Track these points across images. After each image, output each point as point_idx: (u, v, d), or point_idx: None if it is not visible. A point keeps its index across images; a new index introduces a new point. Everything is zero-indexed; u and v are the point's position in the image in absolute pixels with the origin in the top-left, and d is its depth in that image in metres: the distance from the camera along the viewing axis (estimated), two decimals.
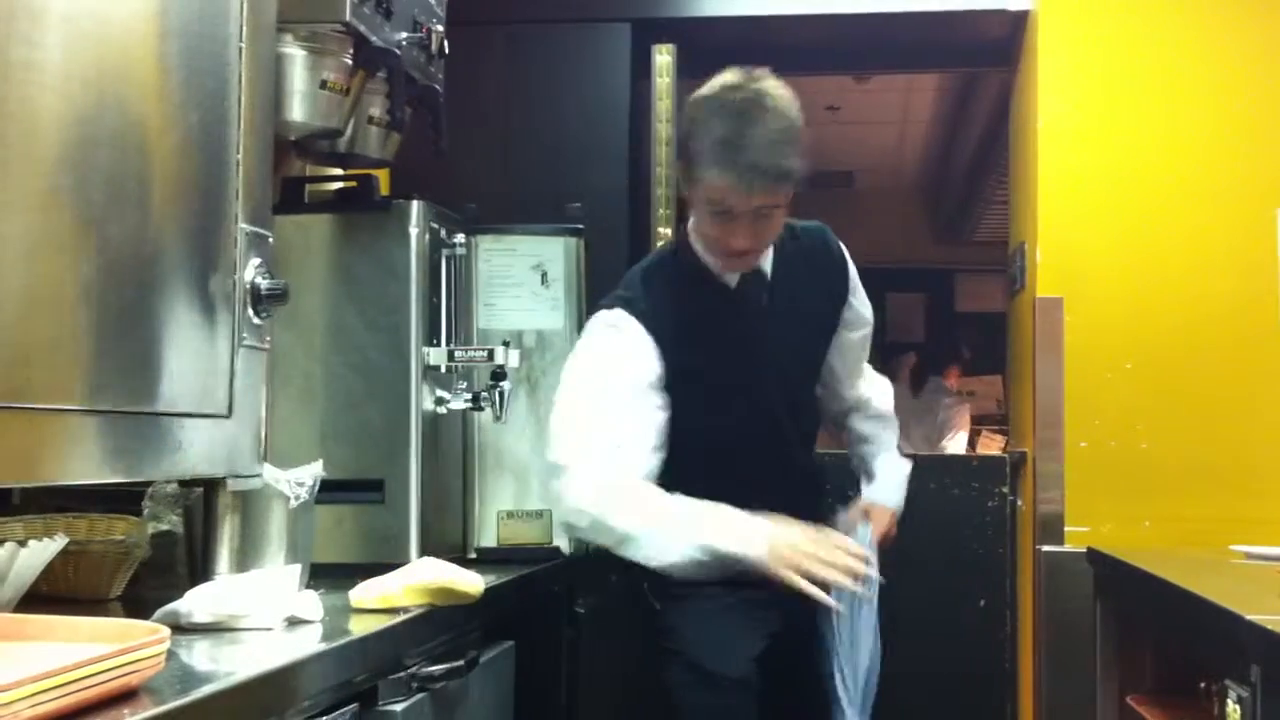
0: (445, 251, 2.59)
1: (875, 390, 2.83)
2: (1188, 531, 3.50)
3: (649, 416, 2.39)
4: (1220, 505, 3.53)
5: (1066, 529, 3.63)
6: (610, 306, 2.45)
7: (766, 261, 2.52)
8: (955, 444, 6.54)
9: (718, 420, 2.46)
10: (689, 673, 2.43)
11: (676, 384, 2.42)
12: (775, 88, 2.35)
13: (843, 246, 2.68)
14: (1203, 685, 2.71)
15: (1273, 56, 3.68)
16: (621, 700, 3.32)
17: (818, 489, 2.67)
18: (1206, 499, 3.55)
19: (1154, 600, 2.79)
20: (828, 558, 2.28)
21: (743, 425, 2.51)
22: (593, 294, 2.80)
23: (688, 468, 2.41)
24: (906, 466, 2.78)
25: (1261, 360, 3.61)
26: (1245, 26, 3.69)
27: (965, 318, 7.96)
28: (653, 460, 2.38)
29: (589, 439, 2.35)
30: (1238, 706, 2.04)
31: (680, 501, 2.33)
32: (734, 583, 2.36)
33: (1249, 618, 2.02)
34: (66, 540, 1.79)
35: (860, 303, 2.69)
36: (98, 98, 1.54)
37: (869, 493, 2.71)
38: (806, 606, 2.34)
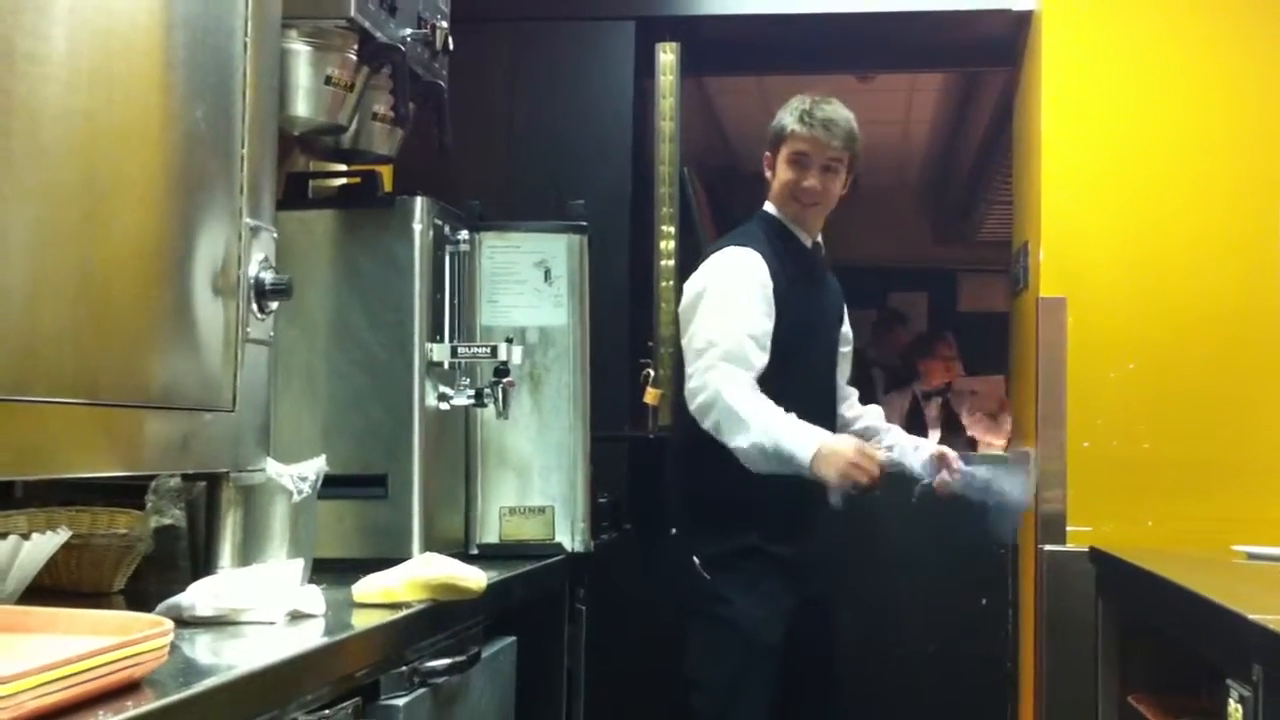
0: (449, 248, 2.59)
1: (875, 410, 3.43)
2: (1190, 531, 3.50)
3: (768, 322, 2.96)
4: (1222, 505, 3.52)
5: (1069, 528, 3.63)
6: (727, 245, 3.05)
7: (820, 241, 3.21)
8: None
9: (793, 343, 2.98)
10: (734, 637, 2.92)
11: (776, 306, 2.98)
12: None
13: None
14: (1204, 684, 2.72)
15: (1276, 56, 3.68)
16: (623, 695, 3.32)
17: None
18: (1209, 499, 3.55)
19: (1156, 599, 2.79)
20: (865, 465, 2.81)
21: (808, 352, 3.10)
22: (596, 291, 2.80)
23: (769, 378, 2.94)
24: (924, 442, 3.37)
25: (1264, 360, 3.61)
26: (1248, 26, 3.69)
27: (967, 317, 7.92)
28: (764, 358, 2.94)
29: (728, 331, 2.91)
30: (1240, 706, 2.04)
31: (775, 410, 2.87)
32: (776, 553, 2.94)
33: (1252, 617, 2.02)
34: (69, 534, 1.79)
35: (847, 324, 3.33)
36: (103, 91, 1.54)
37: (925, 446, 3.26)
38: (835, 573, 3.08)
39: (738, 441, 2.83)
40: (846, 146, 3.07)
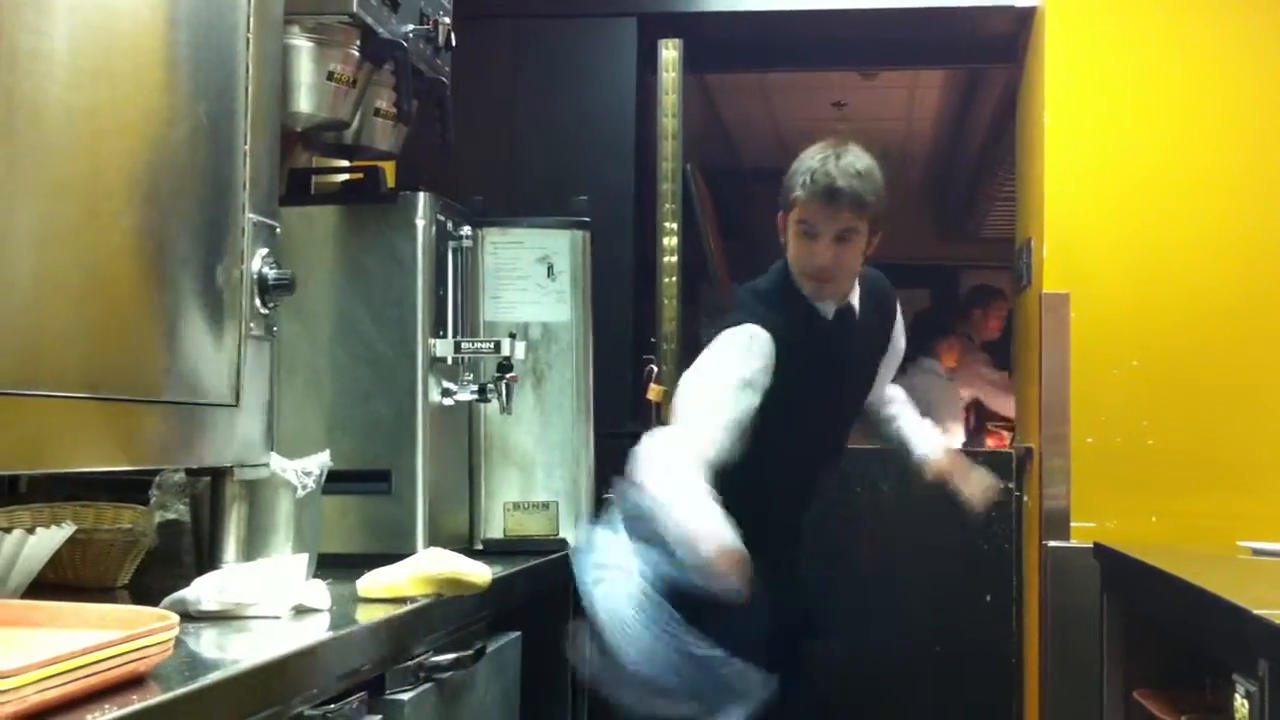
0: (451, 244, 2.59)
1: (895, 389, 3.22)
2: (1194, 527, 3.49)
3: (747, 411, 2.64)
4: (1227, 501, 3.52)
5: (1072, 524, 3.62)
6: (741, 323, 2.71)
7: (855, 298, 2.87)
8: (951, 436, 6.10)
9: (797, 421, 2.73)
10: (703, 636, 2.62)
11: (775, 389, 2.67)
12: (858, 147, 2.78)
13: (893, 292, 3.09)
14: (1209, 680, 2.72)
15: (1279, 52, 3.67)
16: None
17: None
18: (1213, 495, 3.54)
19: (1161, 595, 2.79)
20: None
21: (815, 426, 2.84)
22: (599, 288, 2.80)
23: (766, 452, 2.66)
24: (928, 422, 3.21)
25: (1269, 356, 3.60)
26: (1251, 22, 3.68)
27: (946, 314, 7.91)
28: (732, 444, 2.60)
29: (705, 421, 2.60)
30: (1245, 701, 2.04)
31: (702, 505, 2.47)
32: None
33: (1257, 613, 2.02)
34: (74, 528, 1.79)
35: (899, 336, 3.09)
36: (105, 88, 1.54)
37: (923, 451, 3.11)
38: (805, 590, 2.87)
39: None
40: (859, 213, 2.71)
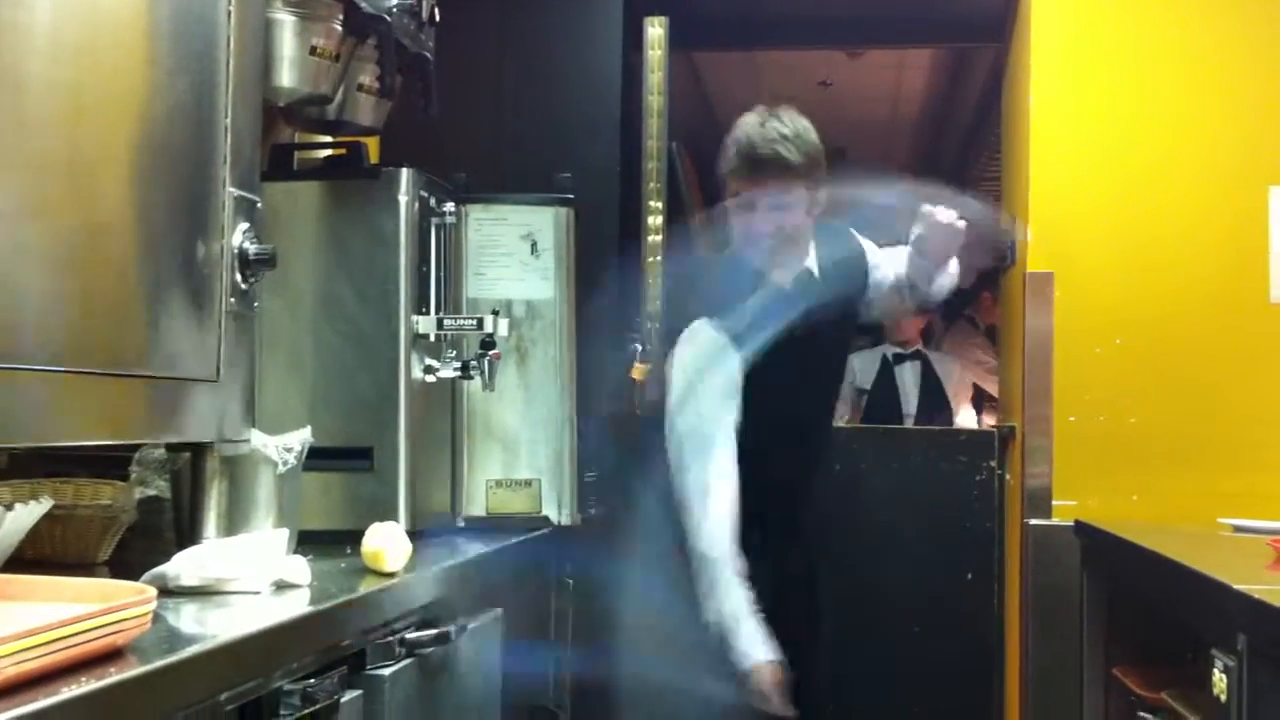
0: (435, 220, 2.58)
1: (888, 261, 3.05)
2: (1175, 505, 3.51)
3: (735, 418, 2.72)
4: (1208, 479, 3.53)
5: (1054, 503, 3.64)
6: (696, 323, 2.77)
7: (811, 260, 2.85)
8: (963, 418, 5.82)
9: (778, 404, 2.73)
10: None
11: (751, 378, 2.73)
12: (791, 111, 2.79)
13: (860, 239, 2.99)
14: (1189, 655, 2.73)
15: (1267, 34, 3.67)
16: (608, 668, 3.32)
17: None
18: (1194, 473, 3.56)
19: (1141, 571, 2.80)
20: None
21: (795, 409, 2.86)
22: (582, 265, 2.80)
23: (755, 426, 2.72)
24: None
25: (1251, 336, 3.62)
26: (1239, 3, 3.68)
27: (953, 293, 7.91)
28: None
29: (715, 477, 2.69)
30: (1224, 676, 2.05)
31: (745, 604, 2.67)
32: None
33: (1236, 587, 2.03)
34: (51, 503, 1.78)
35: (879, 272, 2.99)
36: (87, 62, 1.53)
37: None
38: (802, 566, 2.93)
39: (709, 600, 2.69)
40: (790, 181, 2.72)
